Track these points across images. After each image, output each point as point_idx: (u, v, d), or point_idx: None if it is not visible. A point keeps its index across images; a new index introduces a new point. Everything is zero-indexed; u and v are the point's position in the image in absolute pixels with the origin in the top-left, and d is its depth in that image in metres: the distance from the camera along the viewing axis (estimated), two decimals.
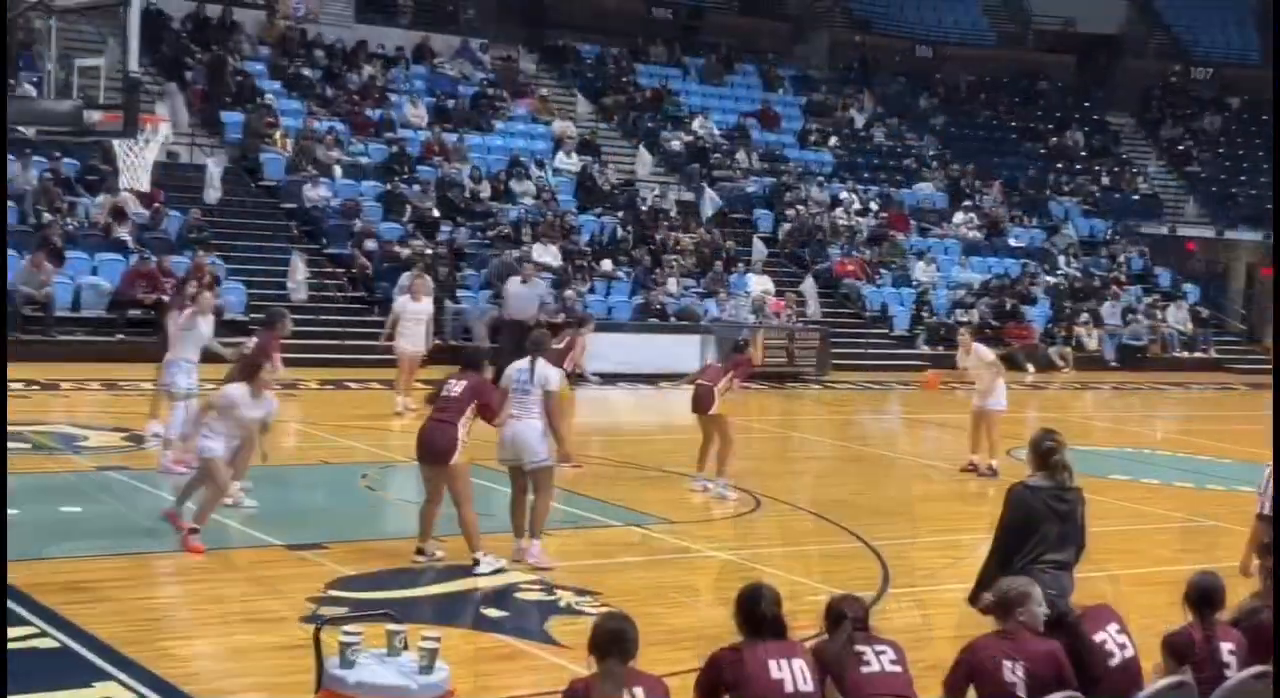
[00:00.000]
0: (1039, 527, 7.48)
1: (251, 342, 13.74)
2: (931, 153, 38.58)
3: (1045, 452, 7.67)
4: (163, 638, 8.78)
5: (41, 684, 8.03)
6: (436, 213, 27.34)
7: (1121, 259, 35.91)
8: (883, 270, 31.51)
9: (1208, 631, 6.65)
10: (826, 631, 6.21)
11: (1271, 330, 32.28)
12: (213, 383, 13.13)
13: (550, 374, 11.02)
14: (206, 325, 13.99)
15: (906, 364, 28.19)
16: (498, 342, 22.02)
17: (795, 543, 12.59)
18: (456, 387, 10.78)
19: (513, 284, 22.97)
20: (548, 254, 26.93)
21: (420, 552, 10.80)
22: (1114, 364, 31.50)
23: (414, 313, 18.63)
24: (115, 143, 12.42)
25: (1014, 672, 6.08)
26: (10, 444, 14.75)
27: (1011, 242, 35.29)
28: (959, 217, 35.22)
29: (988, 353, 16.93)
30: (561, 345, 15.76)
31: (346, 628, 6.20)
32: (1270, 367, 28.73)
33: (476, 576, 10.58)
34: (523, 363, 11.02)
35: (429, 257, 25.06)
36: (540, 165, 30.57)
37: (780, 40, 41.72)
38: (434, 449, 10.67)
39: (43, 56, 12.65)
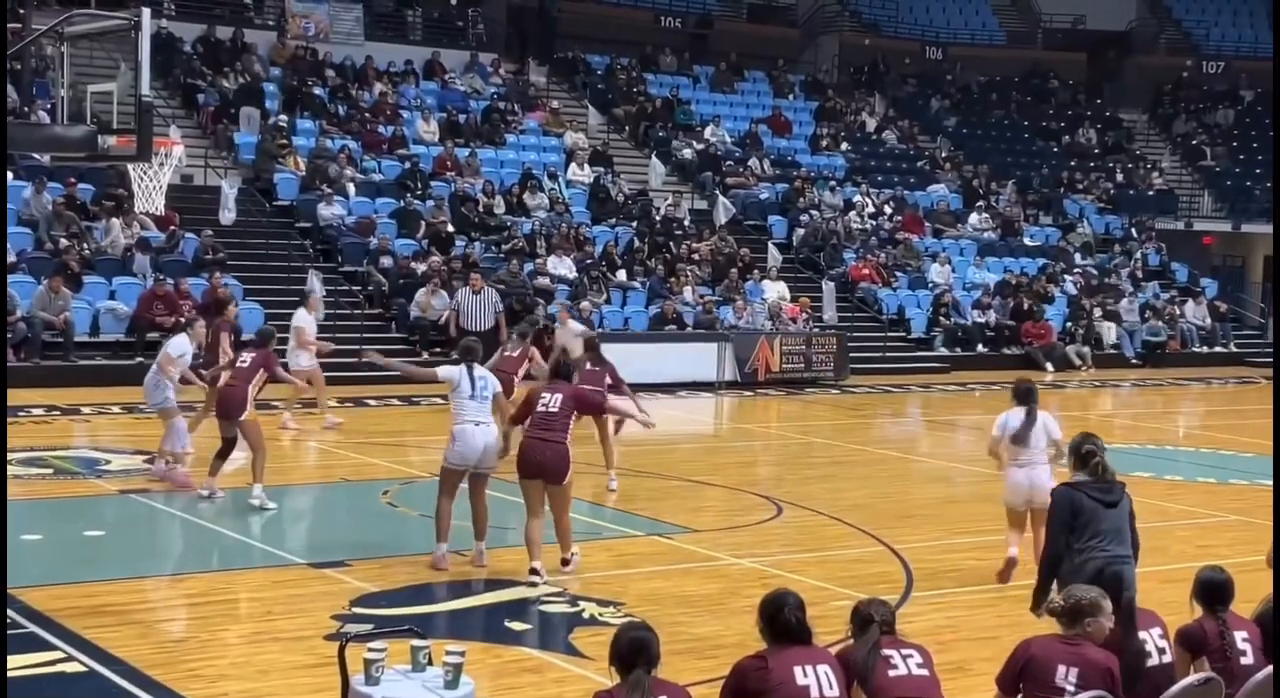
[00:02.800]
0: (1089, 520, 7.51)
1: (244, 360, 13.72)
2: (944, 154, 38.53)
3: (1085, 455, 7.73)
4: (189, 659, 8.79)
5: None
6: (451, 228, 27.39)
7: (1138, 255, 35.82)
8: (898, 273, 31.48)
9: (1220, 624, 6.68)
10: (852, 635, 6.19)
11: None
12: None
13: (490, 378, 11.42)
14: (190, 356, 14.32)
15: (925, 367, 28.16)
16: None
17: (818, 548, 12.57)
18: (553, 400, 10.87)
19: (464, 294, 22.92)
20: (562, 266, 26.96)
21: (535, 572, 10.73)
22: (1133, 361, 31.41)
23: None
24: (130, 167, 12.48)
25: (1066, 677, 6.07)
26: (33, 470, 14.84)
27: (1027, 241, 35.22)
28: (973, 217, 35.17)
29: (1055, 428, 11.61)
30: (516, 354, 16.15)
31: (371, 645, 6.21)
32: None
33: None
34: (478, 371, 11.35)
35: (444, 271, 25.10)
36: (553, 177, 30.61)
37: (789, 46, 41.74)
38: (551, 468, 10.80)
39: (55, 83, 12.71)
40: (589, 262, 27.53)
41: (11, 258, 22.85)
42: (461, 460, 11.21)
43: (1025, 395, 11.14)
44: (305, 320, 18.67)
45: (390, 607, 10.11)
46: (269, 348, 13.83)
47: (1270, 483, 9.83)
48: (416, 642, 6.34)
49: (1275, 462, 7.89)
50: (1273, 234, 34.27)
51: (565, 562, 11.05)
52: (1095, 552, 7.50)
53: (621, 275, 27.71)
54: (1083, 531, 7.50)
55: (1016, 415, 11.14)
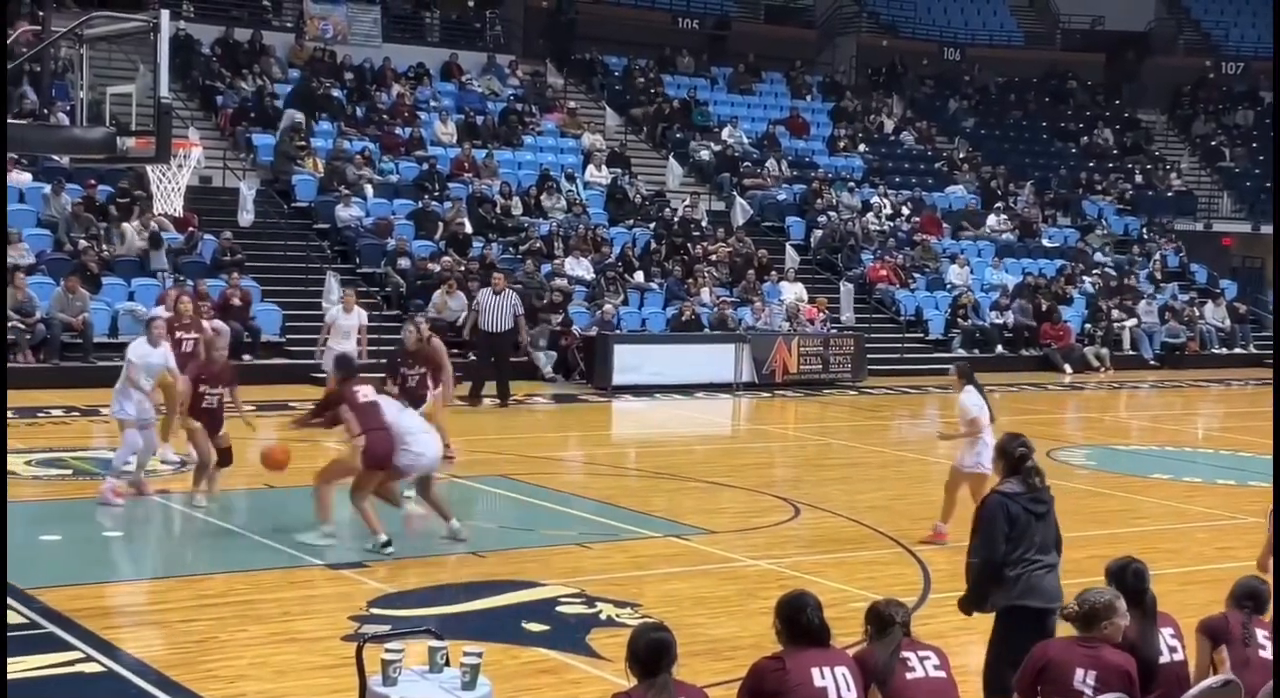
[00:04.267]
0: (1024, 534, 7.47)
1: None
2: (962, 155, 38.46)
3: (1018, 457, 7.64)
4: (207, 660, 8.81)
5: None
6: (468, 229, 27.42)
7: (1157, 257, 35.70)
8: (916, 274, 31.42)
9: (1245, 617, 6.72)
10: (868, 636, 6.18)
11: None
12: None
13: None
14: (159, 357, 13.93)
15: (943, 368, 28.05)
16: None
17: (835, 550, 12.55)
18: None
19: (484, 296, 22.86)
20: (580, 267, 26.98)
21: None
22: (1152, 363, 31.31)
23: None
24: (149, 168, 12.52)
25: (1085, 680, 6.06)
26: (52, 470, 14.89)
27: (1045, 242, 35.13)
28: (992, 218, 35.09)
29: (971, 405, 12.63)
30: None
31: (388, 646, 6.22)
32: None
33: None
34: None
35: (462, 273, 25.13)
36: (570, 179, 30.63)
37: (807, 47, 41.71)
38: None
39: (75, 85, 12.76)
40: (606, 263, 27.54)
41: (31, 259, 22.95)
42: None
43: (972, 374, 12.54)
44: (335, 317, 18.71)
45: (408, 608, 10.13)
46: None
47: None
48: (434, 643, 6.35)
49: (1275, 462, 7.85)
50: (1273, 234, 34.17)
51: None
52: (1032, 566, 7.47)
53: (639, 277, 27.71)
54: (1016, 542, 7.46)
55: (977, 394, 12.46)
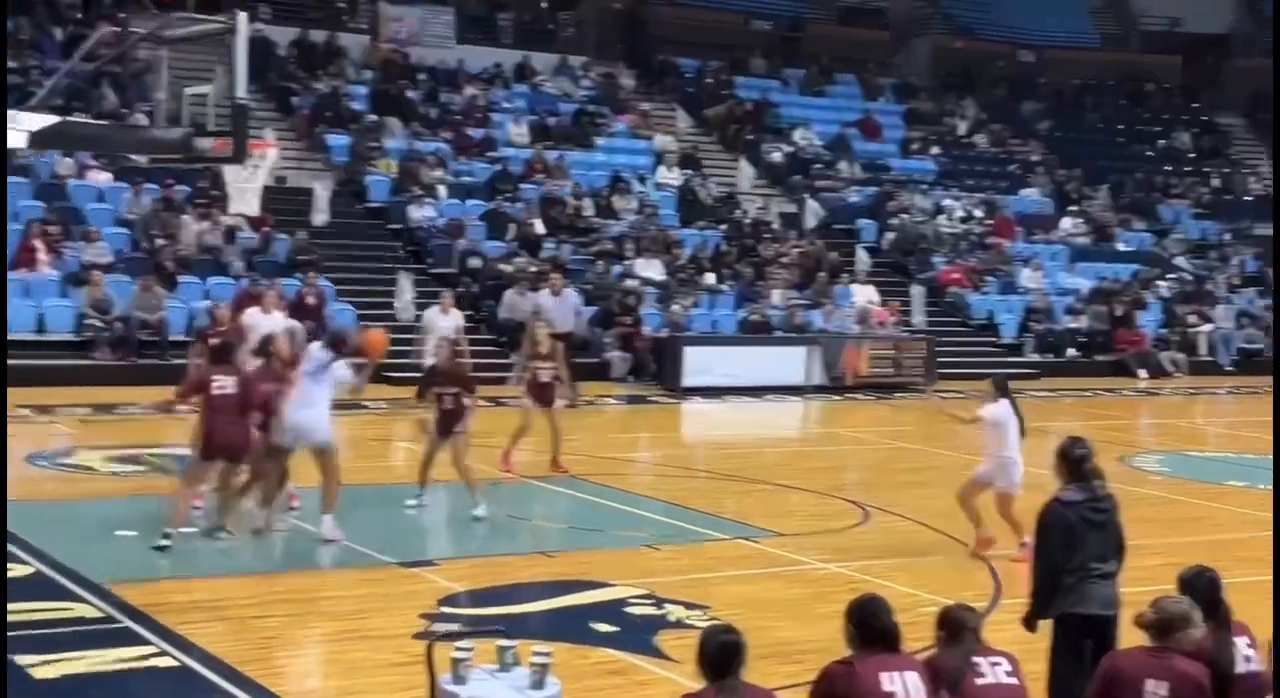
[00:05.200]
0: (1081, 543, 7.39)
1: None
2: (1037, 158, 38.11)
3: (1077, 460, 7.56)
4: (279, 656, 8.90)
5: None
6: (540, 230, 27.50)
7: (1235, 262, 35.20)
8: (989, 278, 31.18)
9: None
10: (939, 641, 6.14)
11: None
12: None
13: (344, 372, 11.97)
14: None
15: (1014, 373, 27.78)
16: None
17: (905, 555, 12.48)
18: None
19: (544, 297, 22.87)
20: (651, 269, 26.98)
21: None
22: (1228, 368, 30.88)
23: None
24: (225, 168, 12.65)
25: (1156, 691, 5.97)
26: (126, 466, 15.09)
27: (1120, 246, 34.74)
28: (1066, 222, 34.76)
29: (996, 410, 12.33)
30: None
31: (459, 644, 6.25)
32: None
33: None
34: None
35: (533, 273, 25.22)
36: (642, 180, 30.66)
37: (880, 49, 41.47)
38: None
39: (154, 86, 12.91)
40: (677, 264, 27.53)
41: (109, 258, 23.27)
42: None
43: (1008, 388, 12.27)
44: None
45: (477, 607, 10.18)
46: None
47: None
48: (503, 642, 6.37)
49: (1275, 462, 7.73)
50: (1273, 234, 33.71)
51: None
52: (1089, 575, 7.38)
53: (710, 278, 27.68)
54: (1072, 551, 7.39)
55: (1009, 408, 12.20)
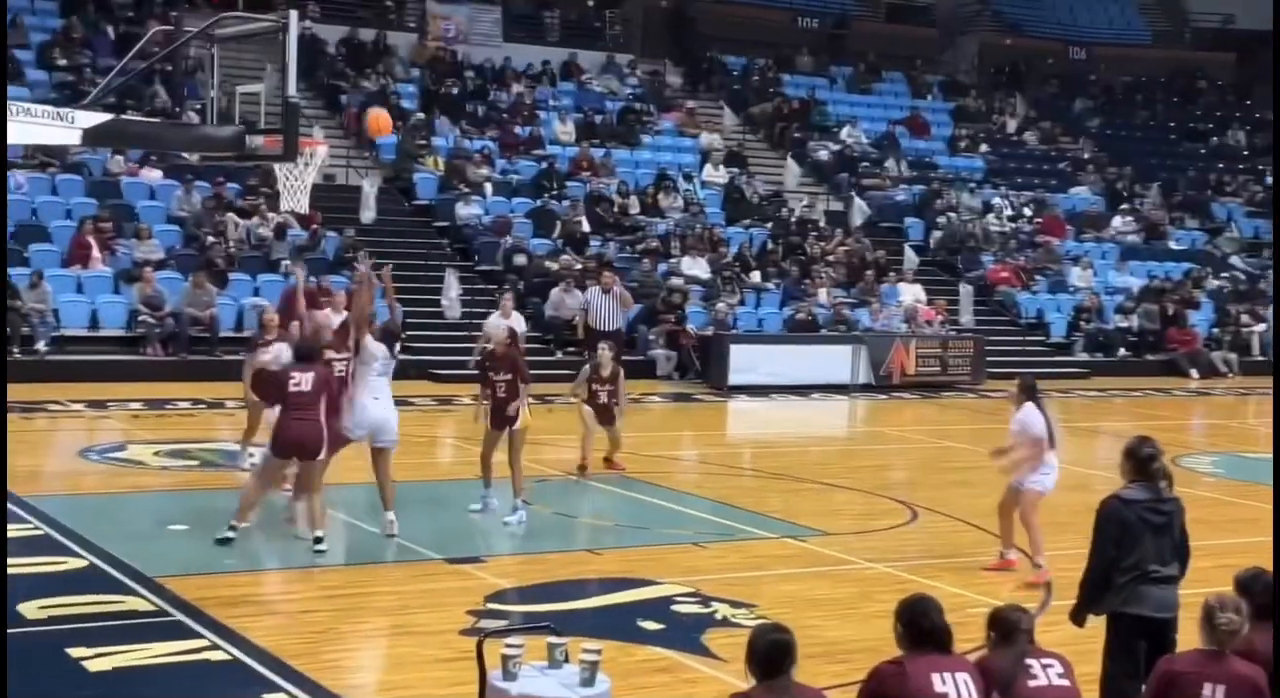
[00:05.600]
0: (1136, 542, 7.30)
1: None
2: (1087, 156, 37.85)
3: (1145, 459, 7.47)
4: (328, 650, 8.95)
5: (214, 696, 8.26)
6: (586, 228, 27.54)
7: None
8: (1038, 276, 31.00)
9: None
10: (990, 642, 6.10)
11: None
12: None
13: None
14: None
15: (1064, 372, 27.67)
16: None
17: (953, 555, 12.42)
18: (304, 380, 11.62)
19: (593, 294, 22.80)
20: (696, 267, 26.97)
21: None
22: None
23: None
24: (275, 166, 12.71)
25: (1214, 694, 5.90)
26: (179, 462, 15.21)
27: (1172, 245, 34.47)
28: (1117, 220, 34.52)
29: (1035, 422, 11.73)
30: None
31: (509, 641, 6.26)
32: None
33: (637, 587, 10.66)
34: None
35: (579, 271, 25.25)
36: (688, 178, 30.64)
37: (928, 46, 41.30)
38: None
39: (205, 84, 13.00)
40: (723, 263, 27.51)
41: (161, 255, 23.46)
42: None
43: (1035, 390, 11.62)
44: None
45: (524, 604, 10.21)
46: None
47: None
48: (553, 639, 6.38)
49: (1275, 462, 7.62)
50: (1273, 234, 33.39)
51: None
52: (1145, 577, 7.31)
53: (755, 277, 27.64)
54: (1128, 549, 7.31)
55: (1037, 411, 11.55)
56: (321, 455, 11.51)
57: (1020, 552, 11.76)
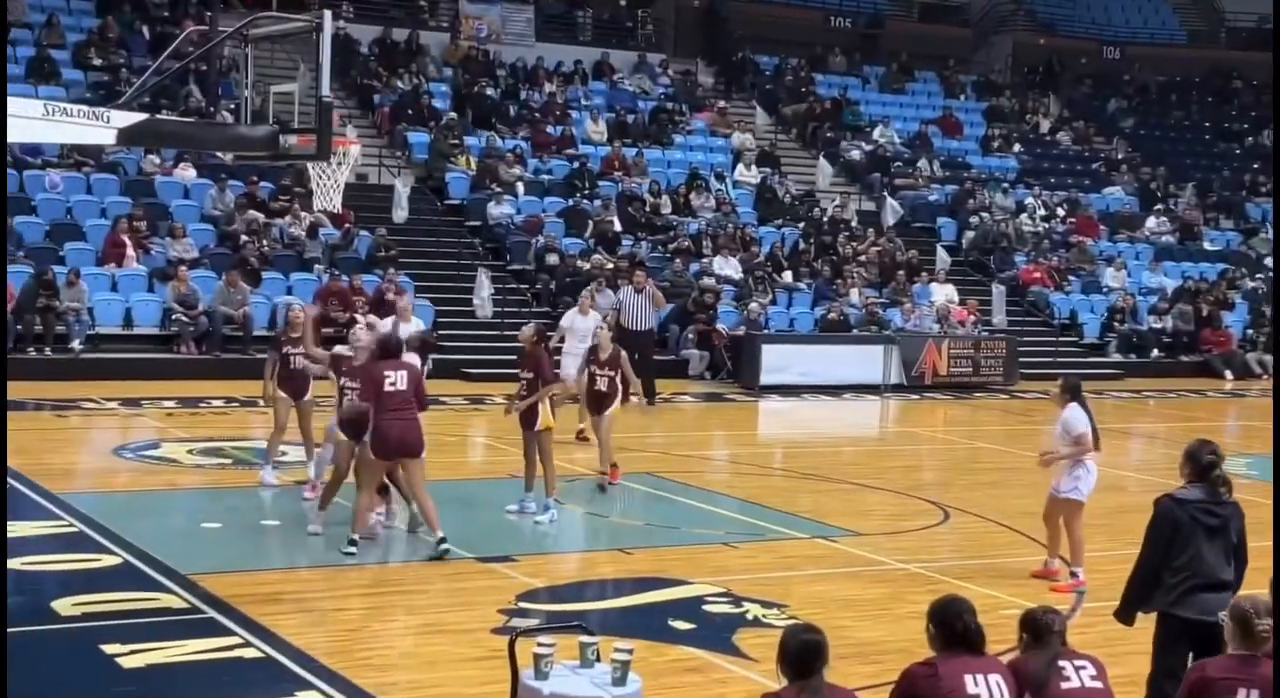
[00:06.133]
0: (1188, 542, 7.24)
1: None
2: (1121, 156, 37.66)
3: (1206, 465, 7.41)
4: (360, 648, 8.98)
5: (247, 693, 8.30)
6: (618, 227, 27.55)
7: None
8: (1071, 277, 30.87)
9: None
10: (1022, 644, 6.08)
11: None
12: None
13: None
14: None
15: (1098, 373, 27.53)
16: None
17: (985, 555, 12.38)
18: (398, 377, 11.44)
19: (625, 293, 22.74)
20: (728, 267, 26.95)
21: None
22: None
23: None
24: (309, 165, 12.75)
25: None
26: (213, 460, 15.29)
27: (1207, 245, 34.27)
28: (1151, 221, 34.33)
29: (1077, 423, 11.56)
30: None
31: (540, 640, 6.27)
32: None
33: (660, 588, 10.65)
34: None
35: (610, 271, 25.26)
36: (720, 178, 30.63)
37: (961, 46, 41.17)
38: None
39: (239, 84, 13.05)
40: (755, 262, 27.48)
41: (195, 254, 23.58)
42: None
43: (1080, 391, 11.47)
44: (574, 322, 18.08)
45: (555, 603, 10.22)
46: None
47: None
48: (585, 638, 6.39)
49: (1275, 463, 7.55)
50: (1273, 234, 33.11)
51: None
52: (1198, 580, 7.25)
53: (788, 276, 27.61)
54: (1179, 550, 7.26)
55: (1082, 412, 11.40)
56: (424, 453, 11.28)
57: (1062, 560, 11.66)
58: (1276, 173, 33.44)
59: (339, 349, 12.93)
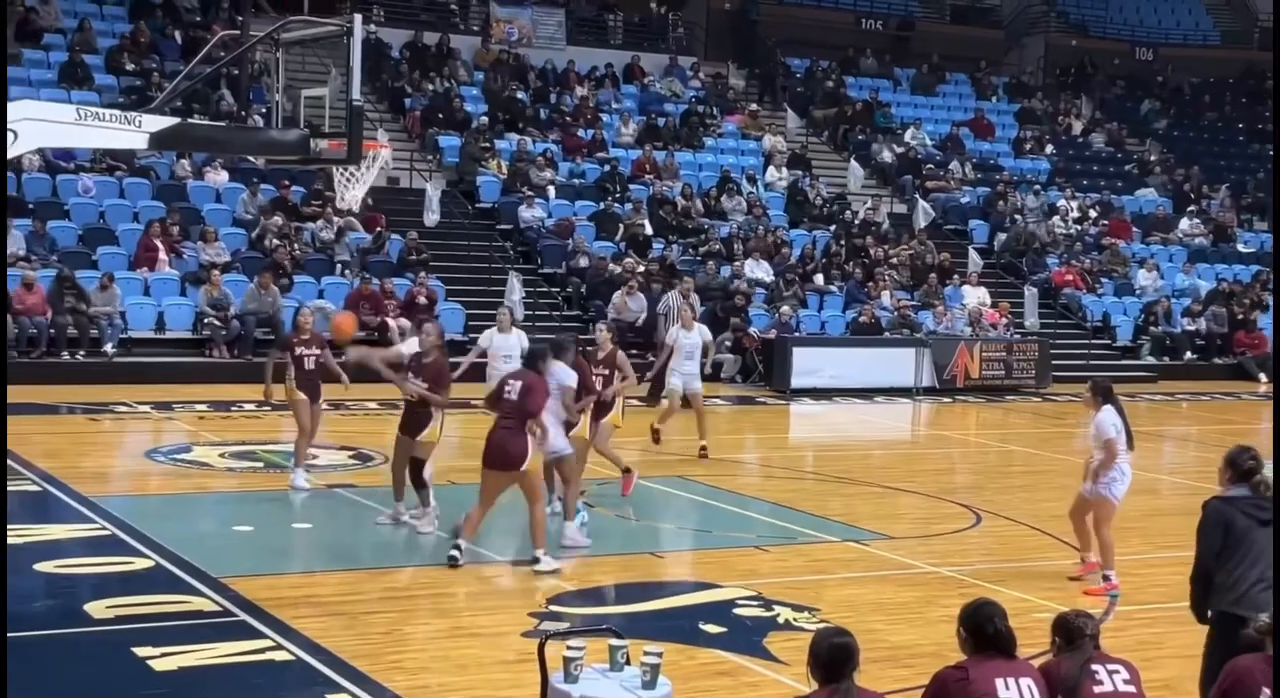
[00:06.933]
0: (1244, 538, 7.19)
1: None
2: (1154, 157, 37.47)
3: (1246, 471, 7.37)
4: (391, 651, 8.98)
5: (278, 696, 8.31)
6: (649, 230, 27.54)
7: None
8: (1104, 279, 30.71)
9: None
10: (1055, 648, 6.04)
11: None
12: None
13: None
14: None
15: (1131, 376, 27.38)
16: None
17: (1018, 559, 12.32)
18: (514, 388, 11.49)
19: (673, 296, 22.67)
20: (759, 269, 26.91)
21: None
22: None
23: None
24: (334, 168, 12.79)
25: None
26: (244, 463, 15.33)
27: (1241, 247, 34.05)
28: (1184, 223, 34.14)
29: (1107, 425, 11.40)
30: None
31: (570, 643, 6.26)
32: None
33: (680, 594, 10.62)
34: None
35: (642, 274, 25.27)
36: (751, 181, 30.60)
37: (993, 47, 41.02)
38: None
39: (270, 88, 13.08)
40: (786, 265, 27.44)
41: (227, 257, 23.67)
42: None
43: (1113, 393, 11.35)
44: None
45: (586, 606, 10.21)
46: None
47: None
48: (615, 641, 6.37)
49: (1275, 463, 7.50)
50: (1273, 234, 32.79)
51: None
52: (1259, 578, 7.19)
53: (819, 279, 27.55)
54: (1234, 549, 7.20)
55: (1115, 414, 11.23)
56: (524, 466, 10.96)
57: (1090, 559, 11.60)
58: (1277, 172, 33.19)
59: (403, 347, 13.05)
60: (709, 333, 18.15)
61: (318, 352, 14.16)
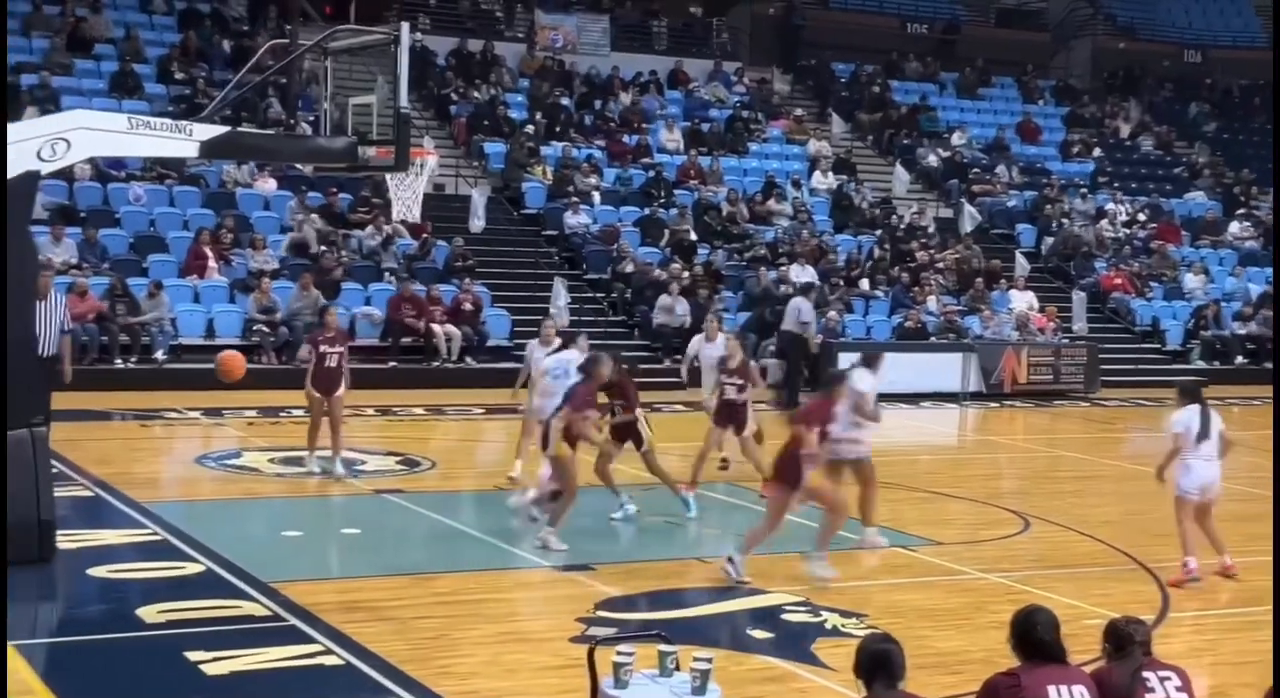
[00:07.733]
0: None
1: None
2: (1203, 160, 37.18)
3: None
4: (440, 656, 9.02)
5: None
6: (694, 236, 27.55)
7: None
8: (1153, 283, 30.49)
9: None
10: (1106, 655, 6.01)
11: None
12: None
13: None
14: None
15: (1181, 381, 27.14)
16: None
17: (1067, 565, 12.24)
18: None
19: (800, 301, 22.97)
20: (805, 275, 26.85)
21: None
22: None
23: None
24: (386, 176, 12.88)
25: None
26: (292, 468, 15.43)
27: None
28: (1234, 226, 33.85)
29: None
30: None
31: (620, 648, 6.26)
32: None
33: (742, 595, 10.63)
34: None
35: (688, 280, 25.26)
36: (796, 185, 30.55)
37: (1039, 51, 40.82)
38: None
39: (318, 96, 13.16)
40: (832, 270, 27.38)
41: (275, 265, 23.82)
42: None
43: (1196, 393, 11.75)
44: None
45: (634, 611, 10.22)
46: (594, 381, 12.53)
47: None
48: (664, 647, 6.37)
49: (1275, 463, 7.36)
50: (1273, 234, 32.36)
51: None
52: None
53: (864, 284, 27.47)
54: None
55: (1194, 413, 11.49)
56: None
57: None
58: (1277, 173, 32.83)
59: (568, 354, 13.74)
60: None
61: (340, 349, 14.63)
